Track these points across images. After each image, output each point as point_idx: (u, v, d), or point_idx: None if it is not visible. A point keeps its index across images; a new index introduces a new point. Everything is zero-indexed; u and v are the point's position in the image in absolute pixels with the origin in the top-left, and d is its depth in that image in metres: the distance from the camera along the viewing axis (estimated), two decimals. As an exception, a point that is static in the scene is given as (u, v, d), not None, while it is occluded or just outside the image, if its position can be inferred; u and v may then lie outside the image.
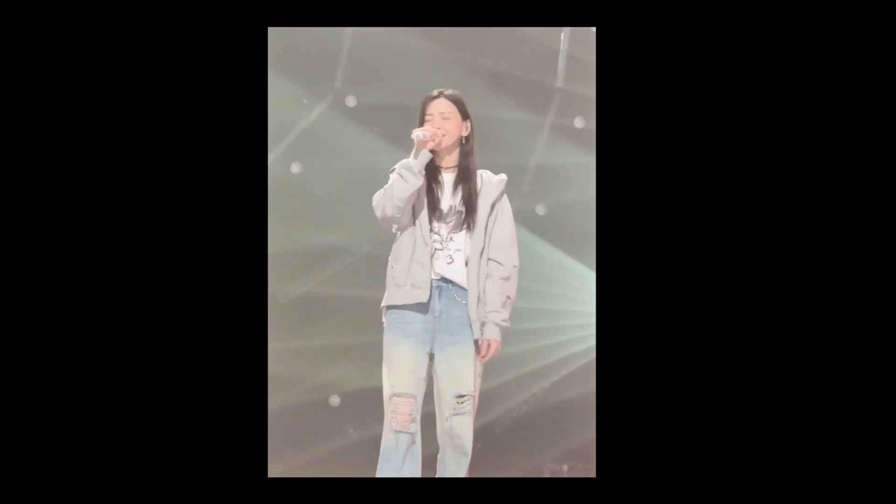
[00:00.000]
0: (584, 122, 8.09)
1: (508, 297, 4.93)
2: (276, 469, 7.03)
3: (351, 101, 8.01)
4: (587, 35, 7.62)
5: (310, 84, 7.97)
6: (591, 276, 7.88)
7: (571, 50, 8.07)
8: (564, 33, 8.04)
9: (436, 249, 4.89)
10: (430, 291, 4.84)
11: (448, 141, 4.92)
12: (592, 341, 7.85)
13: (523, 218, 7.66)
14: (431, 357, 4.88)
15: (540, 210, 8.17)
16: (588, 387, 7.80)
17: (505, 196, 4.99)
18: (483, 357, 4.90)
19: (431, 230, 4.89)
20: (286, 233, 7.68)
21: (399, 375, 4.83)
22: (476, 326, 4.87)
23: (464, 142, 4.96)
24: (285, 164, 7.94)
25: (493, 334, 4.90)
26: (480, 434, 7.38)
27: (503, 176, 5.01)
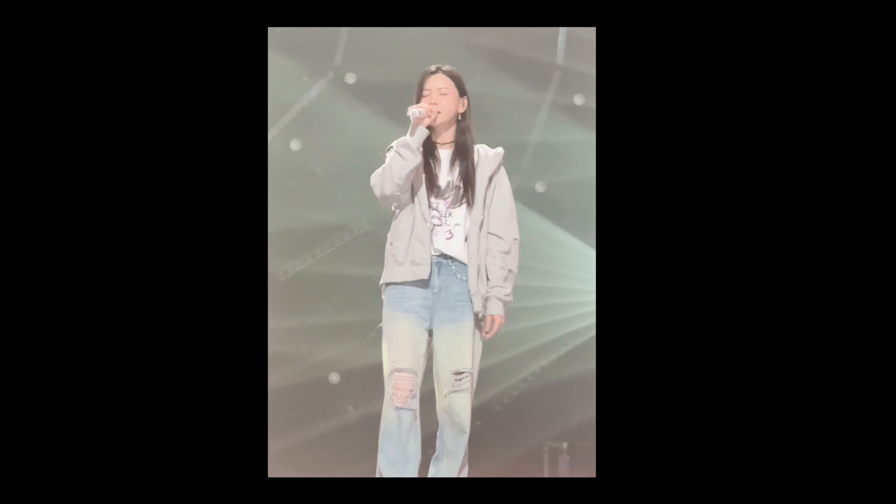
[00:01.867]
0: (584, 99, 8.08)
1: (510, 271, 4.92)
2: (275, 446, 7.04)
3: (350, 79, 7.99)
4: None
5: (309, 61, 7.95)
6: (590, 253, 7.89)
7: (571, 27, 8.05)
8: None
9: (434, 225, 4.88)
10: (430, 268, 4.84)
11: (444, 117, 4.89)
12: (592, 319, 7.86)
13: (523, 195, 7.64)
14: (430, 333, 4.88)
15: (539, 187, 8.16)
16: (587, 364, 7.81)
17: (503, 169, 4.97)
18: (487, 333, 4.90)
19: (430, 206, 4.88)
20: (285, 210, 7.67)
21: (399, 351, 4.83)
22: (477, 299, 4.86)
23: (460, 118, 4.94)
24: (285, 142, 7.92)
25: (496, 309, 4.89)
26: (480, 412, 7.41)
27: (500, 149, 4.99)
